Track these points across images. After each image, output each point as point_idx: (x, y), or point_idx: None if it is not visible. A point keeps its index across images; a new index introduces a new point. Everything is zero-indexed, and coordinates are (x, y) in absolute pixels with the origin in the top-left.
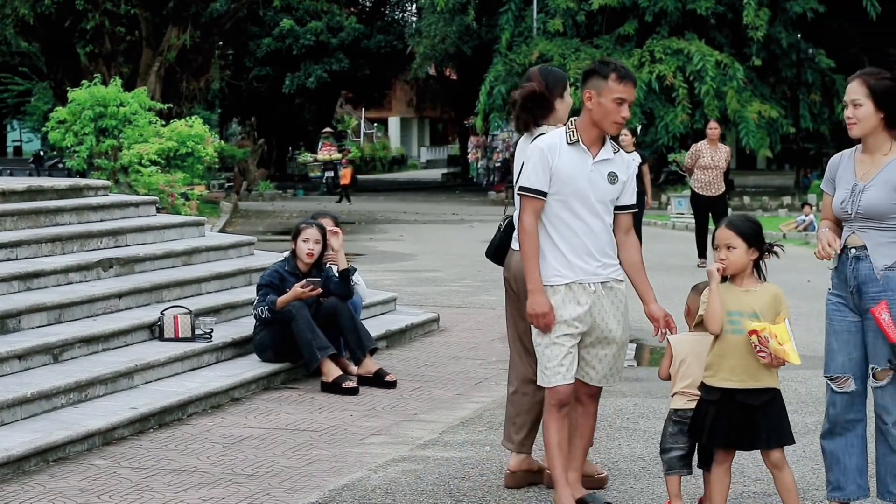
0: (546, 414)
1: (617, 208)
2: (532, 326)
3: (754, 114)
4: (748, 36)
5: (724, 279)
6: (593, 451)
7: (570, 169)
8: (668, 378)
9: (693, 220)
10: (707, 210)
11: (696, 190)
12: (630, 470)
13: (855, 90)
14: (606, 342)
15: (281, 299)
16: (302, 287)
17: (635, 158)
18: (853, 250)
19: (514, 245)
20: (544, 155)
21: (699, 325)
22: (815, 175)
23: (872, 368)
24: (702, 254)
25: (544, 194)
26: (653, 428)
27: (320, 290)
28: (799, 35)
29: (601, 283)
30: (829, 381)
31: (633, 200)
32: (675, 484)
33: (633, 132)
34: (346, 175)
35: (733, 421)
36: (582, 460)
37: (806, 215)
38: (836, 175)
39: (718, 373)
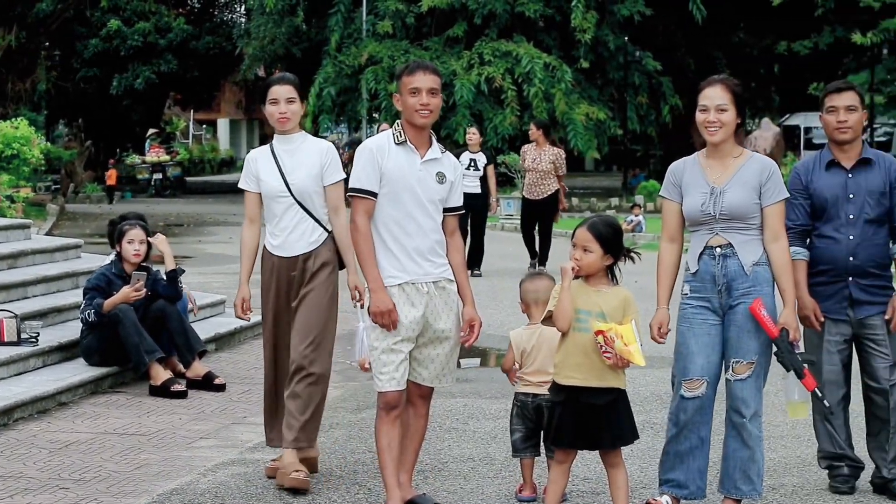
0: (377, 418)
1: (444, 210)
2: (369, 331)
3: (582, 116)
4: (576, 38)
5: (576, 277)
6: (423, 451)
7: (400, 168)
8: (510, 370)
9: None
10: (532, 213)
11: (523, 193)
12: (460, 470)
13: (720, 96)
14: (439, 342)
15: (108, 302)
16: (130, 285)
17: (480, 158)
18: (718, 249)
19: (270, 248)
20: (373, 155)
21: (548, 319)
22: (642, 176)
23: (735, 362)
24: (533, 255)
25: (374, 195)
26: (482, 429)
27: (145, 291)
28: (626, 38)
29: (433, 282)
30: (682, 384)
31: (461, 202)
32: (526, 468)
33: (481, 132)
34: (111, 176)
35: (579, 421)
36: (413, 462)
37: (635, 216)
38: (683, 181)
39: (564, 370)
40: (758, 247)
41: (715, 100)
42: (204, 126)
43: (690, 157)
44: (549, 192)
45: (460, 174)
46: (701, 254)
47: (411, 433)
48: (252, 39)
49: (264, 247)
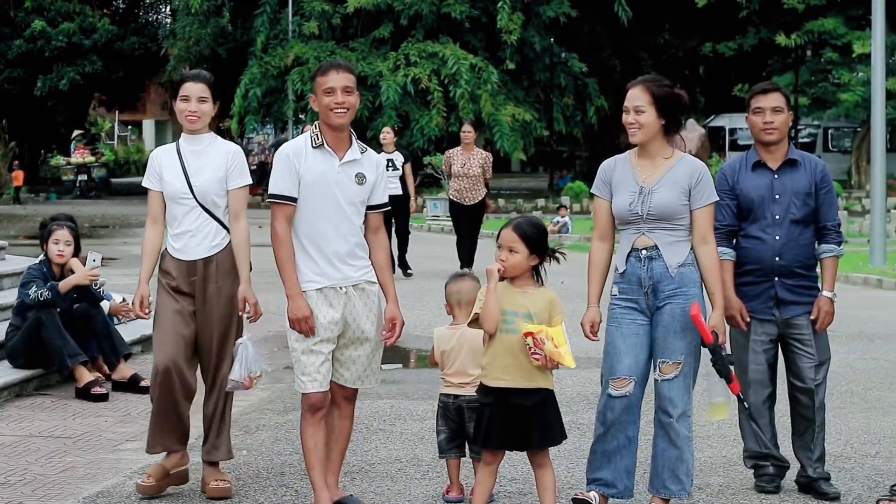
0: (302, 419)
1: (368, 207)
2: (289, 333)
3: (508, 117)
4: (502, 40)
5: (502, 278)
6: (350, 452)
7: (317, 173)
8: (437, 364)
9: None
10: (464, 218)
11: (450, 197)
12: (387, 472)
13: (637, 97)
14: (359, 342)
15: (63, 283)
16: (87, 266)
17: (397, 158)
18: (644, 251)
19: (171, 251)
20: (290, 161)
21: (475, 321)
22: (569, 177)
23: (662, 363)
24: (463, 264)
25: (293, 199)
26: (409, 430)
27: (98, 274)
28: (552, 39)
29: (353, 285)
30: (609, 383)
31: (385, 199)
32: (453, 468)
33: (395, 130)
34: (17, 177)
35: (508, 422)
36: (340, 463)
37: (562, 216)
38: (613, 179)
39: (492, 372)
40: (684, 248)
41: (632, 101)
42: (129, 127)
43: (622, 156)
44: (479, 197)
45: (383, 171)
46: (628, 255)
47: (336, 435)
48: (177, 40)
49: (165, 249)
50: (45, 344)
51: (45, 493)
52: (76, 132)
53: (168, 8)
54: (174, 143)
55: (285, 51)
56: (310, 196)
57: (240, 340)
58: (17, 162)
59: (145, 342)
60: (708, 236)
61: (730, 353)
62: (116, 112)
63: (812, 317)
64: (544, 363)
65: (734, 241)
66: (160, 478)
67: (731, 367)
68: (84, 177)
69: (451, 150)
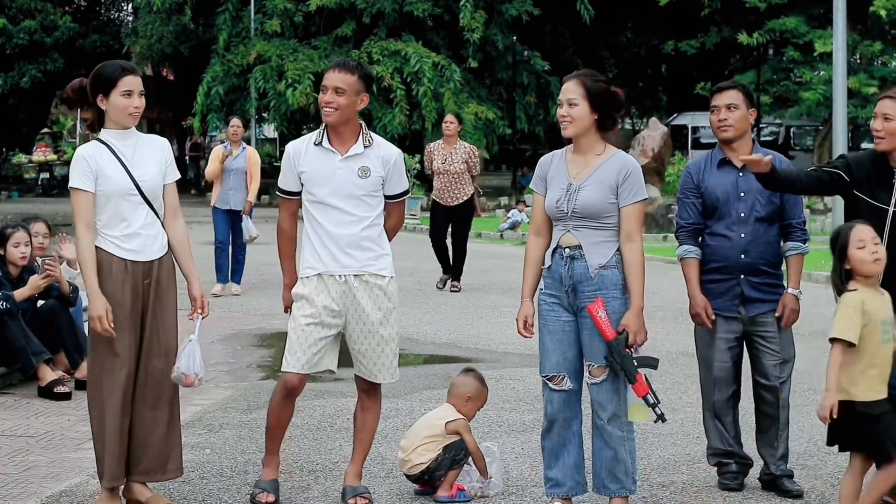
0: (274, 391)
1: (386, 198)
2: (293, 309)
3: (471, 115)
4: (465, 38)
5: None
6: (314, 451)
7: (316, 169)
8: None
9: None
10: (445, 220)
11: (433, 197)
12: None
13: (571, 90)
14: (364, 336)
15: (19, 293)
16: (39, 274)
17: None
18: (567, 250)
19: (120, 254)
20: (290, 159)
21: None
22: (530, 175)
23: (589, 366)
24: (447, 268)
25: (295, 194)
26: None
27: (57, 274)
28: (514, 37)
29: (354, 275)
30: (545, 380)
31: (399, 190)
32: None
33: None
34: None
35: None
36: (363, 453)
37: (520, 211)
38: (548, 175)
39: (863, 384)
40: (609, 248)
41: (566, 94)
42: None
43: (559, 151)
44: (465, 197)
45: (394, 163)
46: (553, 251)
47: (359, 426)
48: (139, 38)
49: (109, 254)
50: (8, 342)
51: (7, 492)
52: (44, 130)
53: (130, 6)
54: (97, 142)
55: (247, 49)
56: (312, 191)
57: (191, 336)
58: None
59: None
60: (634, 234)
61: (643, 355)
62: (79, 110)
63: (777, 314)
64: None
65: (700, 239)
66: None
67: (642, 369)
68: (46, 175)
69: (432, 144)
